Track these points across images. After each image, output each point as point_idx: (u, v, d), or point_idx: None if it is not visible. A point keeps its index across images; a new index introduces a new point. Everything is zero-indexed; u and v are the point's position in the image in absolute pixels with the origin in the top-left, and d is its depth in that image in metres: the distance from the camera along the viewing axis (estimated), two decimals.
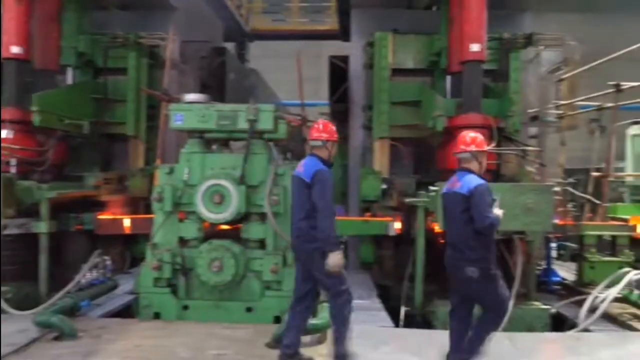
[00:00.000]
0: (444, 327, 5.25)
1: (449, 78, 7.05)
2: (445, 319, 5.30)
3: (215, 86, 8.91)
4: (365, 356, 4.22)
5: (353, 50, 8.03)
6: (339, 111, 8.72)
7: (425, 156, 7.19)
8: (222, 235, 5.48)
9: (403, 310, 5.75)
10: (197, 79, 8.80)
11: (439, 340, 4.70)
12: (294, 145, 7.62)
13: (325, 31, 15.82)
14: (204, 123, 5.25)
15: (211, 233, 5.56)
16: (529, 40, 7.00)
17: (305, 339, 4.42)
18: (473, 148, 3.95)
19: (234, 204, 5.09)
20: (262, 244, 5.34)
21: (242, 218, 5.33)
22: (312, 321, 4.49)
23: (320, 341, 4.44)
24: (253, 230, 5.33)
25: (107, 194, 6.89)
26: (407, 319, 5.71)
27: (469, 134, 4.07)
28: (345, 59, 8.34)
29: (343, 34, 9.65)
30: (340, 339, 3.97)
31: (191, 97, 5.53)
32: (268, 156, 5.39)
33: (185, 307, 5.25)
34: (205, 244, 5.21)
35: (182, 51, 8.15)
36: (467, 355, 3.81)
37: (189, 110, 5.29)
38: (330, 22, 16.04)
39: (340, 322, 3.99)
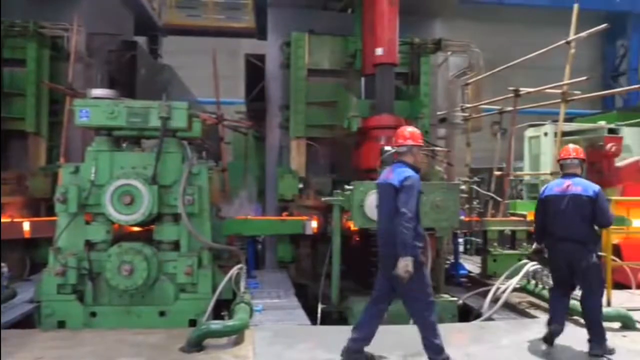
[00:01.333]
0: None
1: (363, 79, 7.24)
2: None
3: (125, 82, 8.50)
4: (282, 355, 4.23)
5: (270, 49, 8.00)
6: (256, 110, 8.66)
7: (341, 156, 7.33)
8: (133, 237, 5.24)
9: (320, 308, 5.81)
10: (105, 74, 8.34)
11: None
12: (209, 144, 7.46)
13: (241, 29, 15.62)
14: (113, 120, 4.99)
15: (121, 235, 5.30)
16: (438, 46, 7.34)
17: (222, 340, 4.36)
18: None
19: (145, 205, 4.89)
20: (175, 245, 5.18)
21: (154, 219, 5.14)
22: (229, 322, 4.43)
23: (237, 342, 4.38)
24: (166, 232, 5.15)
25: (5, 196, 6.37)
26: (324, 317, 5.78)
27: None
28: (262, 58, 8.29)
29: (260, 32, 9.59)
30: (428, 345, 3.97)
31: (98, 92, 5.23)
32: (182, 155, 5.23)
33: (93, 314, 4.96)
34: (114, 247, 4.95)
35: (88, 43, 7.70)
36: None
37: (96, 106, 5.00)
38: (247, 20, 15.88)
39: (423, 326, 3.99)
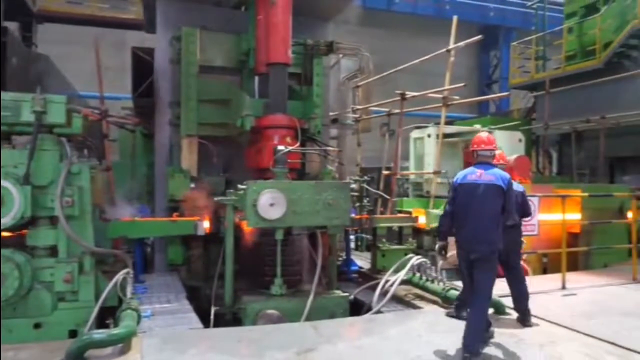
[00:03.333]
0: (253, 323, 5.37)
1: (257, 78, 7.21)
2: (254, 316, 5.43)
3: None
4: None
5: (159, 43, 7.65)
6: (144, 106, 8.25)
7: (235, 155, 7.23)
8: (3, 243, 4.74)
9: (213, 310, 5.69)
10: None
11: (248, 337, 4.80)
12: (92, 141, 6.96)
13: (128, 20, 14.83)
14: None
15: None
16: (330, 48, 7.50)
17: (106, 351, 4.10)
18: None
19: (16, 207, 4.46)
20: (53, 251, 4.78)
21: (28, 223, 4.70)
22: (114, 331, 4.18)
23: (123, 352, 4.15)
24: (41, 236, 4.74)
25: None
26: (218, 319, 5.67)
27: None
28: (150, 52, 7.92)
29: (148, 25, 9.14)
30: (473, 335, 4.29)
31: None
32: (59, 153, 4.84)
33: None
34: None
35: None
36: None
37: None
38: (135, 12, 15.10)
39: (479, 316, 4.41)
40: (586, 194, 8.00)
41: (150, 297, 5.73)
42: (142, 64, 7.92)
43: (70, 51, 14.73)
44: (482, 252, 4.44)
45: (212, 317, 5.58)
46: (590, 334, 4.85)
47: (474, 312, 4.47)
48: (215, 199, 5.90)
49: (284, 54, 6.51)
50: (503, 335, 4.82)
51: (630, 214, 8.02)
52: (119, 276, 5.02)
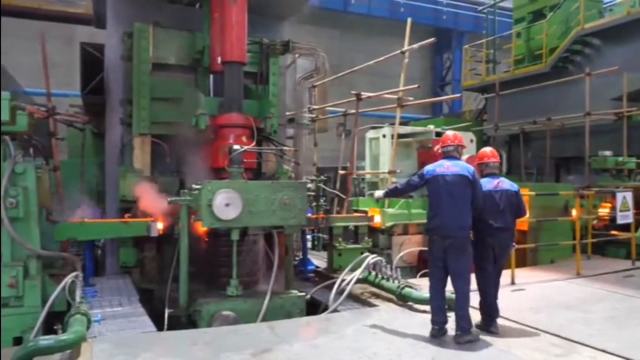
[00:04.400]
0: (207, 325, 5.29)
1: (212, 77, 7.10)
2: (209, 318, 5.35)
3: None
4: None
5: (109, 39, 7.41)
6: (94, 104, 7.99)
7: (189, 154, 7.08)
8: None
9: (167, 312, 5.57)
10: None
11: (203, 339, 4.73)
12: (38, 140, 6.68)
13: (77, 14, 14.29)
14: None
15: None
16: (286, 47, 7.47)
17: (54, 357, 3.95)
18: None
19: None
20: None
21: None
22: (62, 336, 4.02)
23: (72, 358, 4.01)
24: None
25: None
26: (172, 322, 5.56)
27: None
28: (100, 48, 7.67)
29: (98, 20, 8.85)
30: (464, 316, 4.66)
31: None
32: (3, 152, 4.63)
33: None
34: None
35: None
36: None
37: None
38: (84, 6, 14.58)
39: (465, 300, 4.71)
40: (533, 192, 8.32)
41: (101, 300, 5.56)
42: (92, 60, 7.68)
43: (13, 45, 14.08)
44: (457, 236, 4.72)
45: (166, 320, 5.47)
46: (537, 327, 5.05)
47: (459, 297, 4.76)
48: (169, 199, 5.77)
49: (240, 52, 6.45)
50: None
51: (574, 212, 8.40)
52: (68, 280, 4.84)
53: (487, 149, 5.47)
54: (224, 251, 5.89)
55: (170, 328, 5.36)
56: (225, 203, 5.31)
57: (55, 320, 4.77)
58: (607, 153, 10.43)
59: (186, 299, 5.64)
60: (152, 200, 6.08)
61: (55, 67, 7.32)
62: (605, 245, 9.24)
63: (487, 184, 5.12)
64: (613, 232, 9.13)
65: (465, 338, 4.61)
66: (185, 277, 5.65)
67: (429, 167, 5.01)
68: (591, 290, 6.76)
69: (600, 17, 13.12)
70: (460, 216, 4.75)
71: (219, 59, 6.58)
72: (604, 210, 9.50)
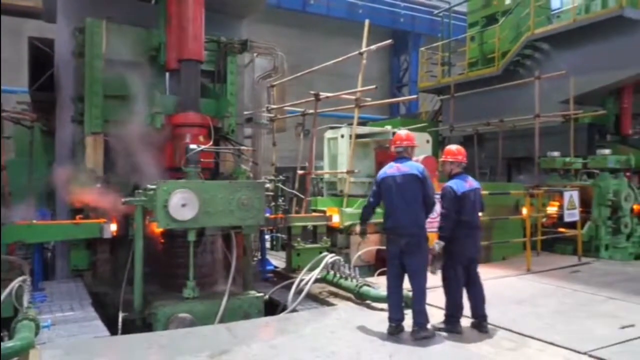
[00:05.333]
0: (164, 328, 5.19)
1: (168, 75, 6.97)
2: (165, 320, 5.25)
3: None
4: None
5: (60, 33, 7.14)
6: (43, 101, 7.69)
7: (144, 153, 6.91)
8: None
9: (121, 316, 5.43)
10: None
11: (159, 342, 4.64)
12: None
13: (24, 7, 13.69)
14: None
15: None
16: (244, 46, 7.41)
17: None
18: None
19: None
20: None
21: None
22: (8, 343, 3.86)
23: None
24: None
25: None
26: (127, 325, 5.42)
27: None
28: (50, 43, 7.39)
29: (48, 14, 8.51)
30: (422, 311, 4.78)
31: None
32: None
33: None
34: None
35: None
36: None
37: None
38: None
39: (421, 295, 4.79)
40: (486, 192, 8.56)
41: (51, 305, 5.36)
42: (41, 55, 7.40)
43: None
44: (413, 234, 4.81)
45: (120, 324, 5.33)
46: (490, 322, 5.20)
47: (416, 293, 4.83)
48: (123, 199, 5.63)
49: (197, 50, 6.36)
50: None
51: (524, 210, 8.70)
52: (14, 284, 4.65)
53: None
54: (180, 252, 5.80)
55: (124, 332, 5.22)
56: (182, 203, 5.22)
57: (1, 328, 4.57)
58: (555, 154, 10.84)
59: (141, 302, 5.51)
60: (105, 201, 5.91)
61: (1, 62, 6.99)
62: (554, 242, 9.61)
63: (460, 186, 5.18)
64: (561, 229, 9.51)
65: (422, 334, 4.71)
66: (140, 280, 5.52)
67: (380, 171, 5.14)
68: (540, 285, 7.02)
69: (549, 23, 13.63)
70: (414, 215, 4.85)
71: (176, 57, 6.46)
72: (552, 209, 9.88)
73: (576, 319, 5.42)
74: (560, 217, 9.18)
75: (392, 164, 5.09)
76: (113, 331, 5.09)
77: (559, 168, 10.65)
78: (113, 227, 5.94)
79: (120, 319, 5.36)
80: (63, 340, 4.52)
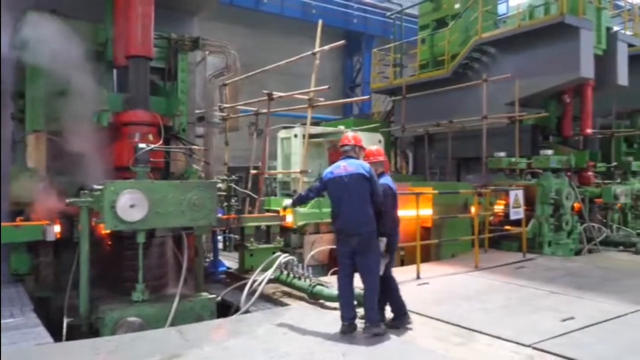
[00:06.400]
0: (111, 333, 5.03)
1: (115, 71, 6.76)
2: (113, 325, 5.09)
3: None
4: None
5: (1, 26, 6.79)
6: None
7: (90, 152, 6.67)
8: None
9: (65, 322, 5.22)
10: None
11: (106, 347, 4.49)
12: None
13: None
14: None
15: None
16: (196, 44, 7.28)
17: None
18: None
19: None
20: None
21: None
22: None
23: None
24: None
25: None
26: (72, 331, 5.22)
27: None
28: None
29: None
30: (374, 308, 4.81)
31: None
32: None
33: None
34: None
35: None
36: None
37: None
38: None
39: (373, 293, 4.82)
40: (437, 191, 8.78)
41: None
42: None
43: None
44: (362, 233, 4.81)
45: (64, 329, 5.12)
46: (440, 318, 5.33)
47: (367, 292, 4.86)
48: (68, 200, 5.41)
49: (146, 46, 6.19)
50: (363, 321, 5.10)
51: (473, 209, 8.96)
52: None
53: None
54: (129, 254, 5.64)
55: (69, 338, 5.03)
56: (130, 204, 5.08)
57: None
58: (502, 154, 11.23)
59: (87, 307, 5.33)
60: (48, 202, 5.67)
61: None
62: (500, 239, 9.95)
63: (393, 184, 5.30)
64: (507, 227, 9.85)
65: (374, 330, 4.75)
66: (86, 283, 5.33)
67: (326, 170, 5.16)
68: (488, 281, 7.25)
69: (495, 27, 14.10)
70: (363, 214, 4.84)
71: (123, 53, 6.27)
72: (499, 207, 10.23)
73: (521, 313, 5.63)
74: (507, 215, 9.51)
75: (338, 163, 5.09)
76: (57, 338, 4.89)
77: (505, 168, 11.03)
78: (57, 229, 5.70)
79: (64, 325, 5.16)
80: (3, 349, 4.29)
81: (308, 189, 5.45)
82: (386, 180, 5.29)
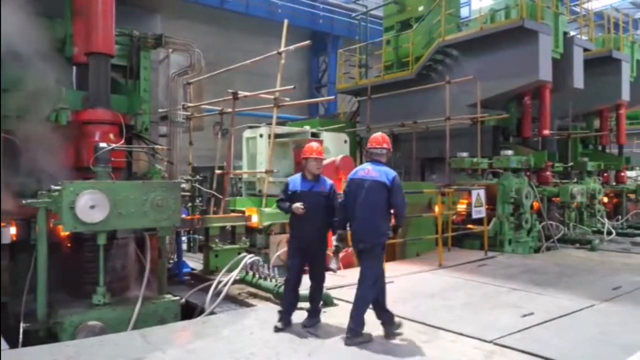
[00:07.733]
0: (71, 338, 4.88)
1: (75, 68, 6.57)
2: (72, 330, 4.95)
3: None
4: None
5: None
6: None
7: (48, 152, 6.46)
8: None
9: (22, 327, 5.04)
10: None
11: (65, 353, 4.36)
12: None
13: None
14: None
15: None
16: (159, 42, 7.15)
17: None
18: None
19: None
20: None
21: None
22: None
23: None
24: None
25: None
26: (29, 337, 5.04)
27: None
28: None
29: None
30: (359, 316, 4.62)
31: None
32: None
33: None
34: None
35: None
36: None
37: None
38: None
39: (364, 302, 4.68)
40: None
41: None
42: None
43: None
44: (367, 242, 4.76)
45: (20, 335, 4.95)
46: (405, 316, 5.39)
47: (358, 298, 4.72)
48: (24, 201, 5.22)
49: (107, 43, 6.04)
50: (330, 324, 5.12)
51: (437, 208, 9.11)
52: None
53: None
54: (89, 257, 5.49)
55: (26, 344, 4.86)
56: (90, 205, 4.94)
57: None
58: (464, 154, 11.46)
59: (45, 311, 5.16)
60: (3, 203, 5.45)
61: None
62: (463, 238, 10.15)
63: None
64: (469, 225, 10.06)
65: (356, 340, 4.57)
66: (43, 287, 5.15)
67: (353, 170, 5.06)
68: (451, 279, 7.39)
69: (458, 30, 14.37)
70: (373, 223, 4.74)
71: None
72: (461, 206, 10.43)
73: (483, 310, 5.75)
74: (469, 214, 9.70)
75: (365, 165, 4.94)
76: (13, 344, 4.72)
77: (468, 168, 11.25)
78: (12, 230, 5.50)
79: (21, 331, 4.99)
80: None
81: (339, 210, 5.03)
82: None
